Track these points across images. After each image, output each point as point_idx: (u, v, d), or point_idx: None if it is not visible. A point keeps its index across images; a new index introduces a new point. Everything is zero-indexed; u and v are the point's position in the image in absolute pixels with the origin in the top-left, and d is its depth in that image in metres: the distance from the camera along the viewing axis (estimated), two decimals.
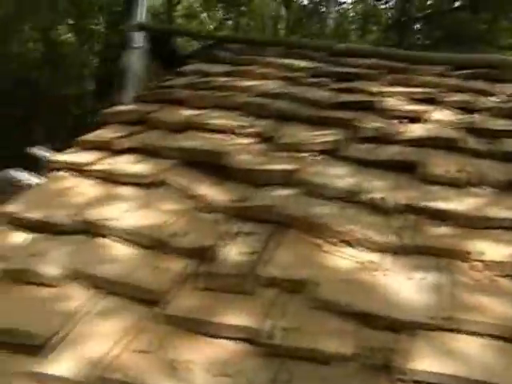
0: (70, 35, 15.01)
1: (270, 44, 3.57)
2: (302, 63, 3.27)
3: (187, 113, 2.54)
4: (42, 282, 1.65)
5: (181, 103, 2.65)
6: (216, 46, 3.69)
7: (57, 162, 2.22)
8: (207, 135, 2.34)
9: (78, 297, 1.61)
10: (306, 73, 3.16)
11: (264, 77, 3.02)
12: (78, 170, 2.16)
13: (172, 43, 3.85)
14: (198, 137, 2.32)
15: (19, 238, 1.88)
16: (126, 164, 2.15)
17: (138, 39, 4.51)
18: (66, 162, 2.20)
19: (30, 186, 2.19)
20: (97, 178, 2.12)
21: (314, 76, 3.14)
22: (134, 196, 2.00)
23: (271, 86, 2.91)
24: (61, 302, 1.58)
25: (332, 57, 3.40)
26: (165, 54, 3.87)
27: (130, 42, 4.54)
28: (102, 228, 1.82)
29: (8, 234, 1.90)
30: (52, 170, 2.19)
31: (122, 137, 2.30)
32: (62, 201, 1.99)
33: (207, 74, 3.08)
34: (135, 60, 4.49)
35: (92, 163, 2.16)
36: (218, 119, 2.44)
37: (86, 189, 2.06)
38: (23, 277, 1.67)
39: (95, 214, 1.88)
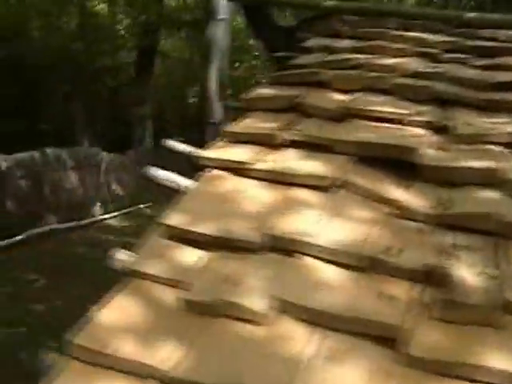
0: (103, 6, 14.69)
1: (386, 14, 3.21)
2: (432, 37, 2.93)
3: (339, 97, 2.22)
4: (245, 317, 1.35)
5: (324, 85, 2.33)
6: (321, 17, 3.34)
7: (208, 159, 1.91)
8: (373, 124, 2.03)
9: (295, 336, 1.32)
10: (439, 48, 2.82)
11: (401, 53, 2.69)
12: (238, 169, 1.84)
13: (271, 15, 3.50)
14: (364, 127, 2.01)
15: (190, 257, 1.56)
16: (295, 161, 1.85)
17: (224, 10, 4.17)
18: (221, 160, 1.89)
19: (175, 187, 1.89)
20: (262, 179, 1.81)
21: (448, 51, 2.81)
22: (316, 202, 1.70)
23: (413, 63, 2.58)
24: (278, 344, 1.30)
25: (460, 28, 3.05)
26: (263, 26, 3.53)
27: (214, 13, 4.20)
28: (297, 245, 1.52)
29: (175, 253, 1.58)
30: (203, 169, 1.89)
31: (279, 128, 1.99)
32: (233, 209, 1.68)
33: (334, 51, 2.75)
34: (220, 33, 4.16)
35: (253, 161, 1.85)
36: (379, 105, 2.13)
37: (255, 193, 1.75)
38: (218, 310, 1.38)
39: (281, 226, 1.58)
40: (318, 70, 2.41)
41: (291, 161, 1.85)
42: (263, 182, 1.80)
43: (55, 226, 9.04)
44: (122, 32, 14.44)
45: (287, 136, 1.95)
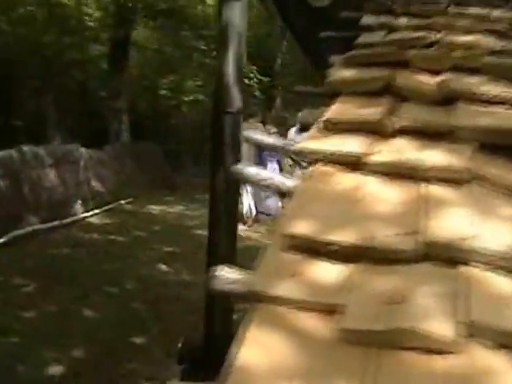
0: None
1: None
2: (494, 13, 2.71)
3: (431, 78, 1.98)
4: (430, 347, 1.08)
5: (407, 65, 2.09)
6: None
7: (310, 152, 1.64)
8: (484, 108, 1.80)
9: (495, 365, 1.07)
10: (505, 24, 2.61)
11: (469, 30, 2.46)
12: (350, 163, 1.59)
13: None
14: (475, 111, 1.78)
15: (328, 272, 1.27)
16: (413, 152, 1.59)
17: None
18: (326, 152, 1.62)
19: (271, 187, 1.61)
20: (381, 173, 1.56)
21: None
22: (455, 199, 1.45)
23: (486, 41, 2.35)
24: (482, 378, 1.05)
25: None
26: (290, 6, 3.27)
27: None
28: (459, 252, 1.26)
29: (307, 268, 1.28)
30: (308, 163, 1.62)
31: (383, 114, 1.73)
32: (363, 211, 1.40)
33: (394, 29, 2.51)
34: (237, 14, 3.88)
35: (366, 152, 1.59)
36: (480, 86, 1.89)
37: (379, 191, 1.48)
38: (389, 339, 1.10)
39: (432, 230, 1.32)
40: (393, 49, 2.16)
41: (409, 151, 1.60)
42: (383, 177, 1.54)
43: (37, 226, 8.64)
44: (92, 24, 13.91)
45: (397, 123, 1.69)
